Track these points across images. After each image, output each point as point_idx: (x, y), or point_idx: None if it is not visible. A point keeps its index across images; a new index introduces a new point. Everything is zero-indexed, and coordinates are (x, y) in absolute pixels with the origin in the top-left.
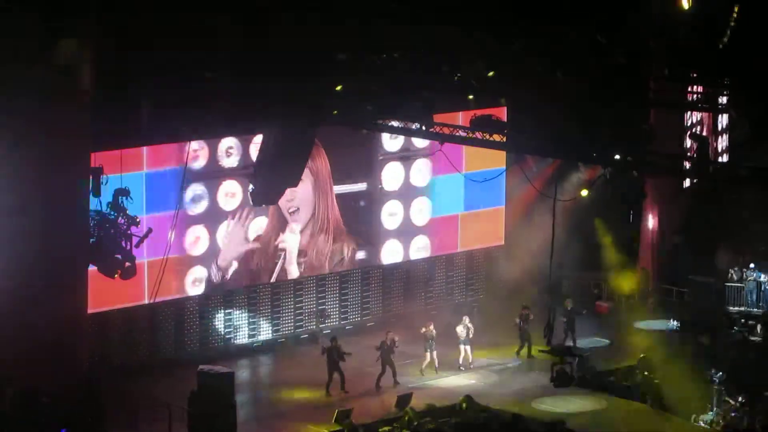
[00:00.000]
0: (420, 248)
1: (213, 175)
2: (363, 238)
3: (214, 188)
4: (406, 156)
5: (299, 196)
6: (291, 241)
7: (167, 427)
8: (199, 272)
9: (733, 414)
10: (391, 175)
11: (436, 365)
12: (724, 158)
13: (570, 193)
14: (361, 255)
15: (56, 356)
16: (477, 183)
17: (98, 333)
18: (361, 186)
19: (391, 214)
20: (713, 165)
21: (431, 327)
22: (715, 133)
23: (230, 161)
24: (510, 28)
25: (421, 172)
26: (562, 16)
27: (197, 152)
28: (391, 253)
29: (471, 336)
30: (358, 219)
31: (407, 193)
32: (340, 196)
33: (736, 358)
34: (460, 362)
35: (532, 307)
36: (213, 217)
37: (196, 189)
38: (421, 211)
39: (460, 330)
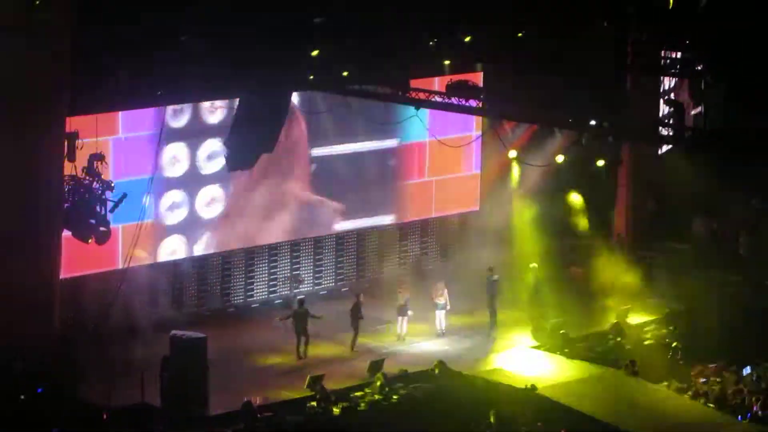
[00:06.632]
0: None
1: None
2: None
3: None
4: None
5: None
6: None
7: (140, 391)
8: (174, 240)
9: (702, 381)
10: None
11: (404, 331)
12: (701, 124)
13: (545, 159)
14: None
15: (29, 321)
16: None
17: (72, 298)
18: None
19: None
20: (689, 131)
21: (404, 292)
22: (692, 98)
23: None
24: None
25: None
26: None
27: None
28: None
29: (446, 302)
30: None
31: None
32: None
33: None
34: (436, 328)
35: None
36: (193, 181)
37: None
38: None
39: (435, 296)
